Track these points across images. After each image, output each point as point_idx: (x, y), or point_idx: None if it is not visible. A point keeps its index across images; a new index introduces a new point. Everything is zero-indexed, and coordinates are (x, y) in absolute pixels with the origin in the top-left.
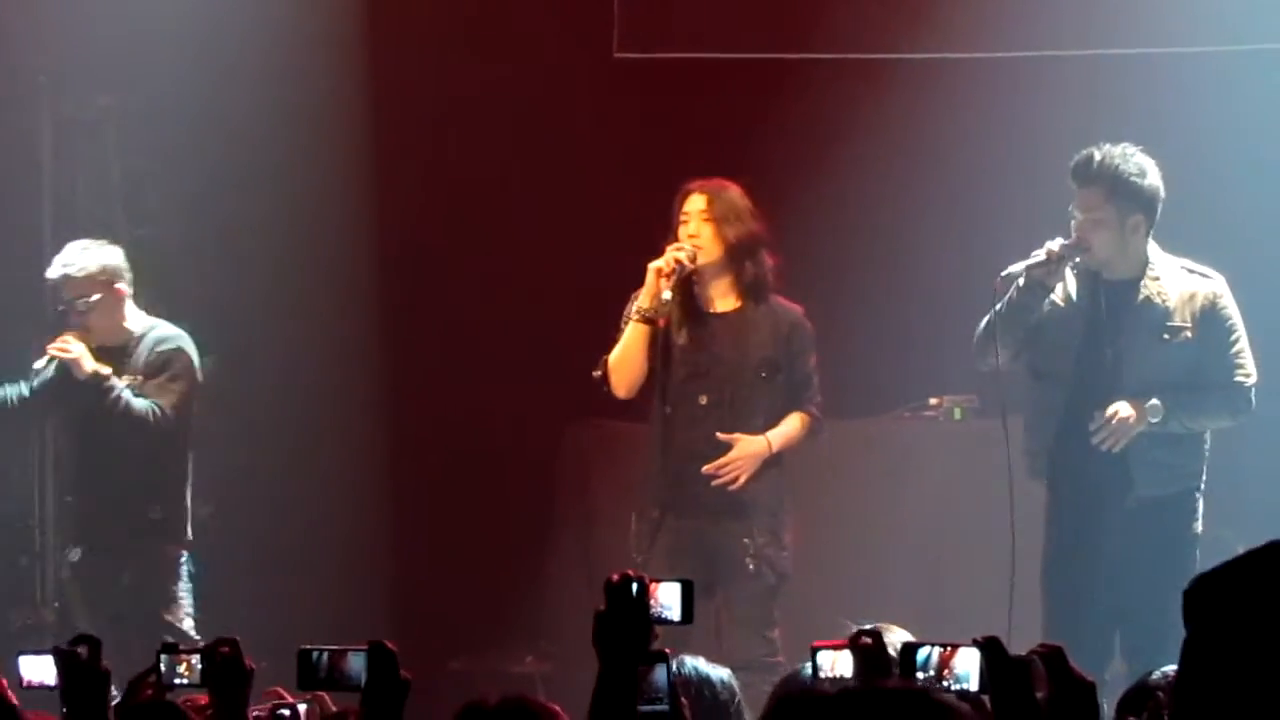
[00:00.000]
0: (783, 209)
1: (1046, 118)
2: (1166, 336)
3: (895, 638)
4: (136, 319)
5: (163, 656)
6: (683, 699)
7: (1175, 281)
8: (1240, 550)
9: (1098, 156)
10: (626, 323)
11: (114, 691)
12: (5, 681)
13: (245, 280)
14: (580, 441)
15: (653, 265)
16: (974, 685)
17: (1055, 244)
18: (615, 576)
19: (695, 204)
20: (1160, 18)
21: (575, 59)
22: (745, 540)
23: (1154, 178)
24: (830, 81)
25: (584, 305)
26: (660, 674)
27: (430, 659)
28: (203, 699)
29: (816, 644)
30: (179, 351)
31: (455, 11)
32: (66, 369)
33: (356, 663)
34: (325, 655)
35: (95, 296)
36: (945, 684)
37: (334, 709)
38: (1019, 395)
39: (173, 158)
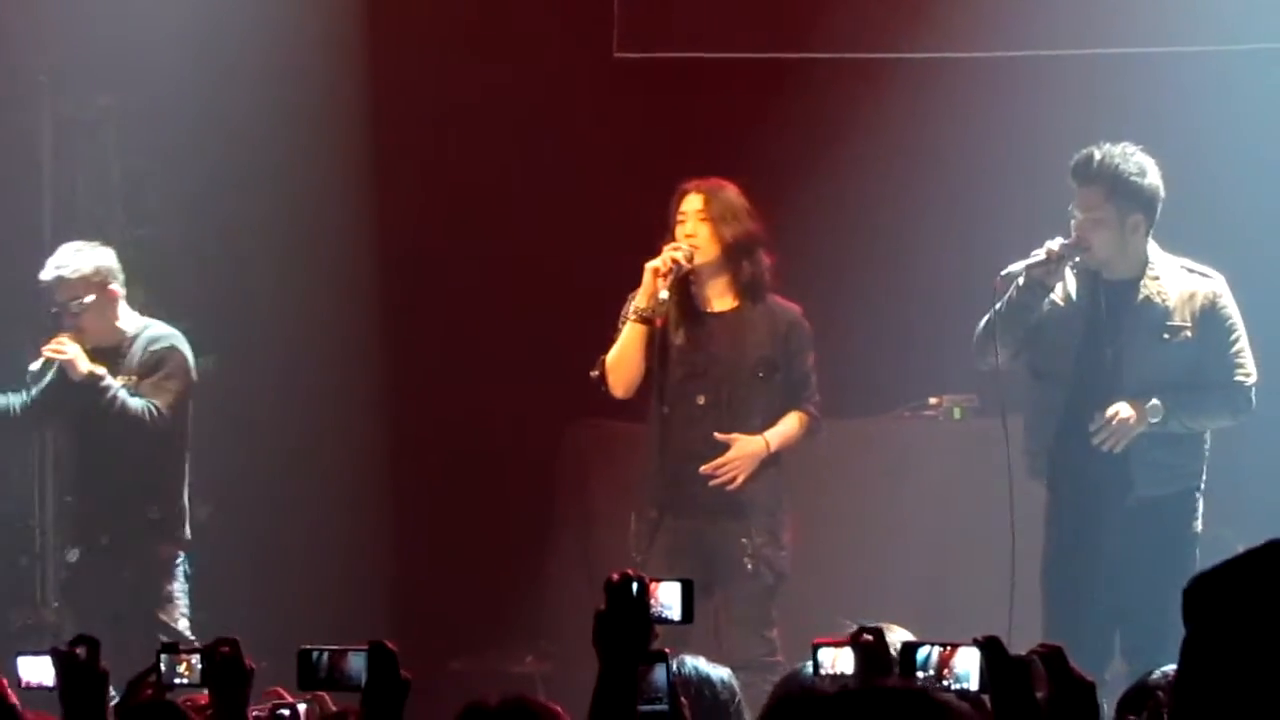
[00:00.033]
0: (783, 208)
1: (1046, 117)
2: (1166, 336)
3: (896, 637)
4: (129, 319)
5: (163, 656)
6: (682, 699)
7: (1175, 281)
8: (1240, 549)
9: (1098, 156)
10: (624, 323)
11: (112, 692)
12: (5, 681)
13: (245, 280)
14: (580, 441)
15: (649, 265)
16: (974, 685)
17: (1055, 243)
18: (616, 576)
19: (692, 203)
20: (1160, 17)
21: (575, 59)
22: (743, 540)
23: (1154, 177)
24: (830, 81)
25: (584, 305)
26: (660, 674)
27: (430, 659)
28: (203, 699)
29: (817, 640)
30: (172, 350)
31: (455, 11)
32: (63, 370)
33: (357, 663)
34: (326, 655)
35: (89, 298)
36: (945, 683)
37: (334, 709)
38: (1019, 395)
39: (173, 158)
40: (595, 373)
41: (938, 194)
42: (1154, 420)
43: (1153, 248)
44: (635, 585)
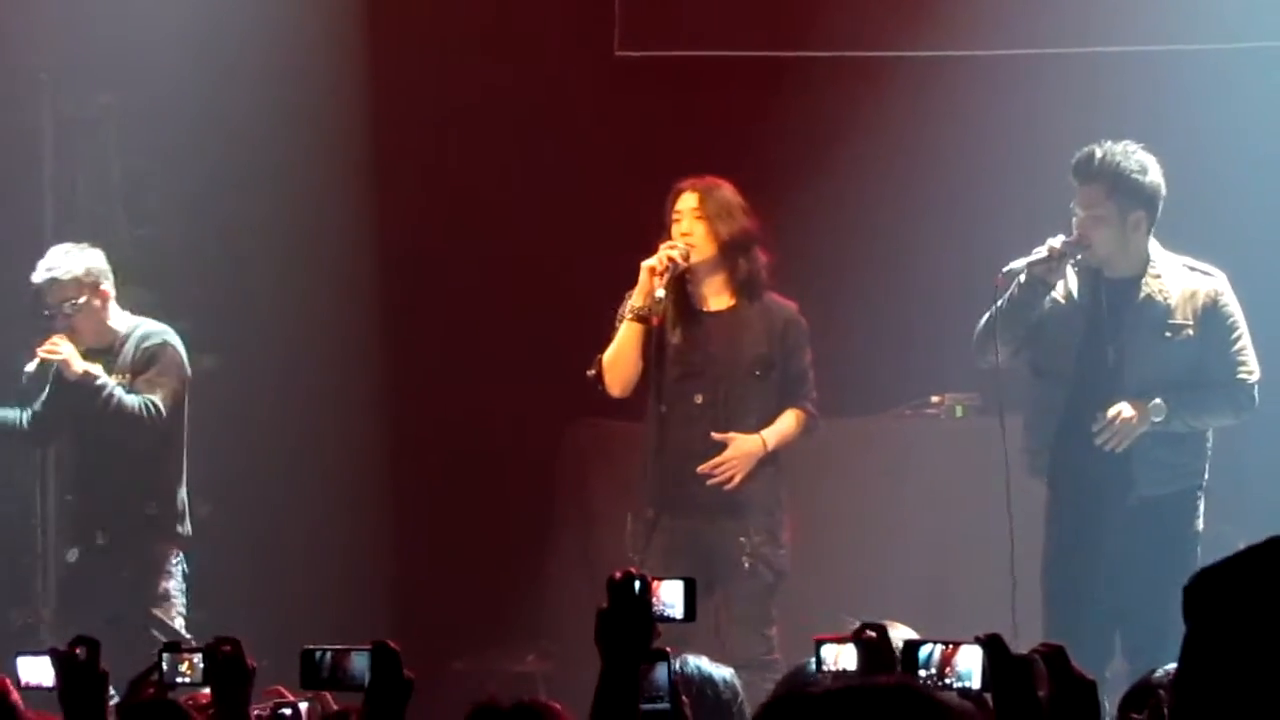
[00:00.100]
0: (783, 207)
1: (1046, 116)
2: (1168, 334)
3: (898, 634)
4: (121, 319)
5: (164, 655)
6: (684, 697)
7: (1176, 279)
8: (1242, 547)
9: (1099, 153)
10: (620, 322)
11: (112, 692)
12: (8, 681)
13: (245, 280)
14: (580, 441)
15: (646, 263)
16: (976, 683)
17: (1056, 241)
18: (618, 574)
19: (687, 202)
20: (1160, 16)
21: (576, 58)
22: (741, 539)
23: (1155, 175)
24: (830, 79)
25: (584, 305)
26: (662, 672)
27: (432, 659)
28: (204, 697)
29: (819, 637)
30: (164, 346)
31: (455, 11)
32: (61, 380)
33: (360, 662)
34: (329, 655)
35: (81, 299)
36: (947, 682)
37: (335, 708)
38: (1020, 393)
39: (173, 158)
40: (592, 372)
41: (938, 193)
42: (1157, 419)
43: (1154, 246)
44: (637, 583)
